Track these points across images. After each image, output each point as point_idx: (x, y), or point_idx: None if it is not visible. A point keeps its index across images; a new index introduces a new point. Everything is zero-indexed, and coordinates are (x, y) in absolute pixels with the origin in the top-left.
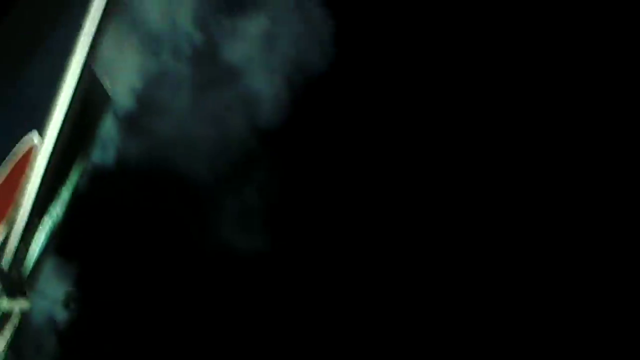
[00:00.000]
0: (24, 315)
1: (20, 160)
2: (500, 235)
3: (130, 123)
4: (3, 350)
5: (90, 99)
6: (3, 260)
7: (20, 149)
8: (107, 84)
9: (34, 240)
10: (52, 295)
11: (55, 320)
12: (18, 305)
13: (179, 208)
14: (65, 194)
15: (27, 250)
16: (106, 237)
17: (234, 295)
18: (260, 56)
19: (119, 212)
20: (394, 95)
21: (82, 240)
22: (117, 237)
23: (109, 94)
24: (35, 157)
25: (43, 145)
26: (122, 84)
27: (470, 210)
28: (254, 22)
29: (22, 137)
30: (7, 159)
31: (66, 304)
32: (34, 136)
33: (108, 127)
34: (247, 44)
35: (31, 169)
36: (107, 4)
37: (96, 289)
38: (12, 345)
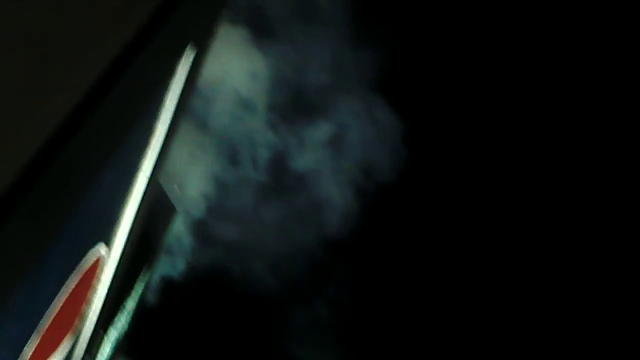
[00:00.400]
0: None
1: (87, 272)
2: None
3: (197, 231)
4: None
5: (157, 210)
6: None
7: (87, 260)
8: (173, 194)
9: (99, 351)
10: None
11: None
12: None
13: (247, 319)
14: (130, 304)
15: None
16: (173, 348)
17: None
18: (329, 163)
19: (186, 323)
20: (465, 200)
21: (149, 351)
22: (184, 348)
23: (175, 205)
24: (102, 268)
25: (110, 256)
26: (191, 191)
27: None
28: (321, 128)
29: (89, 248)
30: (74, 270)
31: None
32: (101, 248)
33: (175, 236)
34: (316, 151)
35: (98, 280)
36: (174, 117)
37: None
38: None
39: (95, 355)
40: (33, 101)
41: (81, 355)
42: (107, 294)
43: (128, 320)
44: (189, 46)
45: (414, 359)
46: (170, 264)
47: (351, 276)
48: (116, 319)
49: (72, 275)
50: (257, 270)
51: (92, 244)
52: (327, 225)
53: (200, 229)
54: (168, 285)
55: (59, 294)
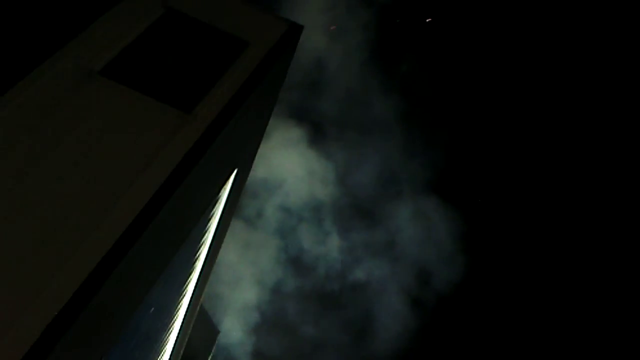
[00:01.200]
0: None
1: None
2: None
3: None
4: None
5: (200, 333)
6: None
7: None
8: (214, 314)
9: None
10: None
11: None
12: None
13: None
14: None
15: None
16: None
17: None
18: (387, 272)
19: None
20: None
21: None
22: None
23: (217, 328)
24: None
25: None
26: (239, 313)
27: None
28: (378, 234)
29: None
30: None
31: None
32: None
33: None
34: (372, 258)
35: None
36: (216, 238)
37: None
38: None
39: None
40: (87, 229)
41: None
42: None
43: None
44: (232, 167)
45: None
46: None
47: None
48: None
49: None
50: None
51: None
52: (385, 339)
53: (254, 342)
54: None
55: None
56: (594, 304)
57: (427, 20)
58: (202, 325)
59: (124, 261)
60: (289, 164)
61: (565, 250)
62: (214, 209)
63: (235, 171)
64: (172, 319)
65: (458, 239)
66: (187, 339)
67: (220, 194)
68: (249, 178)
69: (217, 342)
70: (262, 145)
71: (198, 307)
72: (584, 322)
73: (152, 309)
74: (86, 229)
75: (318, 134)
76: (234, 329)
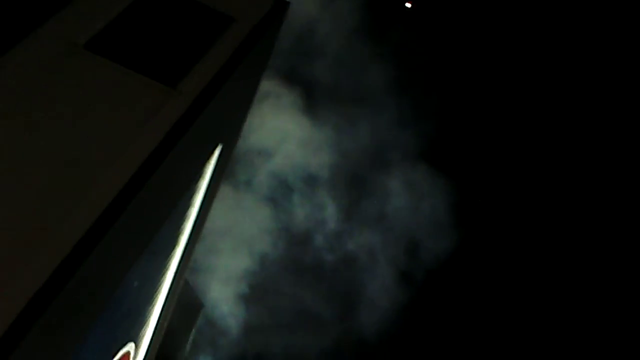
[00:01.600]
0: None
1: None
2: None
3: (229, 325)
4: None
5: (183, 307)
6: None
7: (118, 357)
8: (199, 288)
9: None
10: None
11: None
12: None
13: None
14: None
15: None
16: None
17: None
18: (377, 242)
19: None
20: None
21: None
22: None
23: (201, 302)
24: None
25: (138, 354)
26: (222, 283)
27: None
28: (369, 205)
29: (120, 348)
30: None
31: None
32: (131, 347)
33: (204, 332)
34: (365, 227)
35: None
36: (200, 213)
37: None
38: None
39: None
40: (70, 204)
41: None
42: None
43: None
44: (216, 143)
45: None
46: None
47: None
48: None
49: None
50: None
51: (123, 343)
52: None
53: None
54: None
55: None
56: (587, 279)
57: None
58: (186, 299)
59: (107, 236)
60: (279, 131)
61: (560, 224)
62: (198, 185)
63: (220, 147)
64: (156, 293)
65: (450, 209)
66: (170, 313)
67: (204, 169)
68: (238, 145)
69: (201, 315)
70: (251, 112)
71: (182, 281)
72: (576, 299)
73: (136, 283)
74: (69, 204)
75: (310, 101)
76: (221, 299)
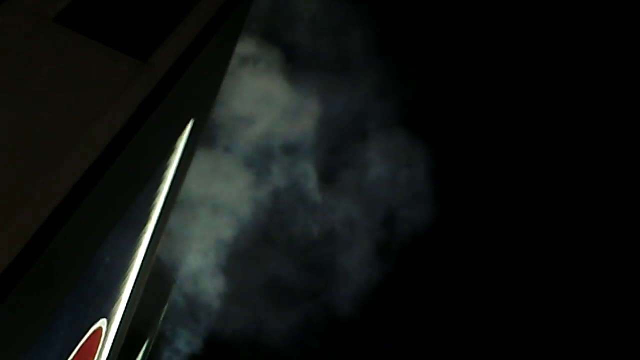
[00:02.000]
0: None
1: (88, 346)
2: None
3: (202, 301)
4: None
5: (156, 284)
6: None
7: (89, 334)
8: (171, 265)
9: None
10: None
11: None
12: None
13: None
14: None
15: None
16: None
17: None
18: (356, 210)
19: None
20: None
21: None
22: None
23: (174, 278)
24: (103, 342)
25: (110, 330)
26: (195, 258)
27: None
28: (348, 173)
29: (91, 324)
30: (77, 344)
31: None
32: (103, 322)
33: (176, 309)
34: (344, 195)
35: (99, 353)
36: (172, 189)
37: None
38: None
39: None
40: (40, 179)
41: None
42: None
43: None
44: (188, 117)
45: None
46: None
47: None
48: None
49: (75, 349)
50: (267, 341)
51: (94, 319)
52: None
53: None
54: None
55: None
56: (570, 250)
57: None
58: (158, 275)
59: (79, 210)
60: (257, 97)
61: (543, 191)
62: (170, 160)
63: (192, 121)
64: (128, 269)
65: (429, 177)
66: (142, 289)
67: (176, 144)
68: (217, 110)
69: (175, 288)
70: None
71: (154, 257)
72: (559, 271)
73: (108, 258)
74: (40, 179)
75: (288, 66)
76: (195, 270)
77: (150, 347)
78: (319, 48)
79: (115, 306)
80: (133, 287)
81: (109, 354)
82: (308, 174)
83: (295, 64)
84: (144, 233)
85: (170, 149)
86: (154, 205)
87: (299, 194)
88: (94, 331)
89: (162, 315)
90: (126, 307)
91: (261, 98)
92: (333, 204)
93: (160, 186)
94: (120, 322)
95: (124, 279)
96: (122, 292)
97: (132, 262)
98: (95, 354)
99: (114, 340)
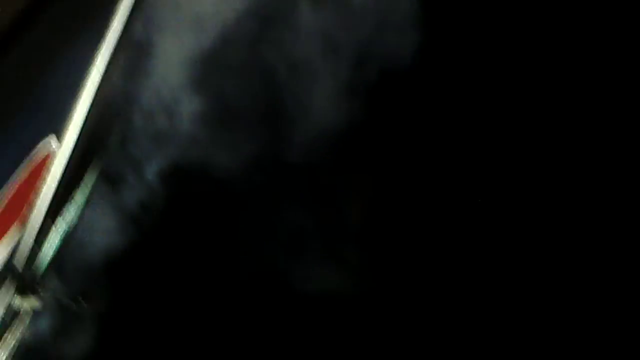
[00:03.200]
0: (35, 314)
1: (37, 164)
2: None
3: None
4: (14, 348)
5: (110, 104)
6: (16, 259)
7: (38, 152)
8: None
9: (47, 241)
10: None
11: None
12: (29, 304)
13: (218, 223)
14: (80, 197)
15: (40, 250)
16: (128, 245)
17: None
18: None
19: (144, 220)
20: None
21: (102, 246)
22: (140, 247)
23: (130, 99)
24: (52, 161)
25: (60, 149)
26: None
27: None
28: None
29: (40, 141)
30: (25, 161)
31: (78, 304)
32: (52, 140)
33: (129, 130)
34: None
35: (47, 172)
36: (130, 14)
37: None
38: (22, 343)
39: (42, 244)
40: None
41: (30, 245)
42: (57, 186)
43: (78, 213)
44: None
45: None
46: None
47: (348, 170)
48: (65, 210)
49: (22, 165)
50: (230, 165)
51: (43, 135)
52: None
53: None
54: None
55: (7, 183)
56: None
57: None
58: (113, 97)
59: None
60: None
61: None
62: None
63: None
64: (82, 87)
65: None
66: (97, 110)
67: None
68: None
69: (137, 110)
70: None
71: (112, 76)
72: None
73: (58, 79)
74: None
75: None
76: (159, 87)
77: (101, 168)
78: None
79: (67, 124)
80: (88, 107)
81: (59, 172)
82: None
83: None
84: (99, 53)
85: None
86: (109, 24)
87: (274, 13)
88: (43, 147)
89: (118, 137)
90: (80, 128)
91: None
92: (310, 25)
93: (118, 7)
94: (72, 141)
95: (78, 97)
96: (75, 111)
97: (86, 81)
98: (44, 170)
99: (64, 158)
